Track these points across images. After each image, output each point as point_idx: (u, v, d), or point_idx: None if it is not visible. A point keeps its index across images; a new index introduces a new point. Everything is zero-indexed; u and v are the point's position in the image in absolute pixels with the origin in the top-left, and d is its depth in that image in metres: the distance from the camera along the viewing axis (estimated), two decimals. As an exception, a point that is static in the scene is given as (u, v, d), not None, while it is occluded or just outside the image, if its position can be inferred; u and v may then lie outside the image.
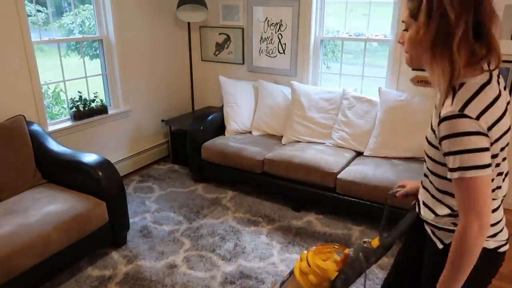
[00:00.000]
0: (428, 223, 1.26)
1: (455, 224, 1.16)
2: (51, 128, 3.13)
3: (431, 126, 1.14)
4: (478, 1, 1.04)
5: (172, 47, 4.18)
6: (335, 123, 3.38)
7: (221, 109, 3.88)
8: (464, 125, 1.00)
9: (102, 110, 3.51)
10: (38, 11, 3.46)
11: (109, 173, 2.51)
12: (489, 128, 1.02)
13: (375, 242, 1.51)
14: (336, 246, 1.63)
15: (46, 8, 3.25)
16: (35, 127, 2.81)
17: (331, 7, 3.65)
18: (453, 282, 1.11)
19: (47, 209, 2.30)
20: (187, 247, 2.72)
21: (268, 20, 3.82)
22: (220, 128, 3.78)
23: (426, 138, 1.19)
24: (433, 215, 1.23)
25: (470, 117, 1.00)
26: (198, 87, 4.48)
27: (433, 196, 1.23)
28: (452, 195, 1.14)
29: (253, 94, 3.83)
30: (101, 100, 3.56)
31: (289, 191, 3.16)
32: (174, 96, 4.34)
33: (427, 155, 1.19)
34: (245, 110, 3.77)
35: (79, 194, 2.50)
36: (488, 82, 1.05)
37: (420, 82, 3.27)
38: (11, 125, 2.62)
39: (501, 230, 1.20)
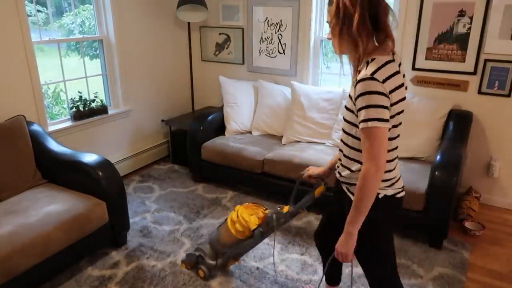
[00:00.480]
0: (344, 182, 1.59)
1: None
2: (51, 128, 3.14)
3: (349, 95, 1.48)
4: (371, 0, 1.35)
5: (172, 47, 4.18)
6: (335, 123, 3.38)
7: (221, 109, 3.88)
8: (373, 85, 1.33)
9: (102, 110, 3.51)
10: (38, 11, 3.46)
11: (109, 173, 2.51)
12: (390, 92, 1.35)
13: (286, 209, 2.04)
14: (262, 208, 2.19)
15: (46, 8, 3.25)
16: (35, 127, 2.81)
17: (331, 7, 3.65)
18: (357, 217, 1.41)
19: (47, 209, 2.31)
20: (187, 247, 2.72)
21: (268, 20, 3.82)
22: (220, 128, 3.78)
23: (345, 106, 1.52)
24: (348, 172, 1.54)
25: (378, 80, 1.33)
26: (198, 87, 4.48)
27: (347, 156, 1.54)
28: (361, 151, 1.41)
29: (253, 94, 3.83)
30: (101, 100, 3.56)
31: (289, 191, 3.15)
32: (174, 96, 4.34)
33: (345, 120, 1.52)
34: (245, 110, 3.77)
35: (79, 194, 2.50)
36: (392, 60, 1.40)
37: (420, 82, 3.27)
38: (11, 125, 2.62)
39: (397, 181, 1.52)
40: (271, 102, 3.69)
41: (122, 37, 3.59)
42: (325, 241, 1.93)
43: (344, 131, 1.54)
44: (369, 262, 1.62)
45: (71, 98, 3.37)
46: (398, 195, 1.52)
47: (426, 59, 3.20)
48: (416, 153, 3.04)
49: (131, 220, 2.99)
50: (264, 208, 2.21)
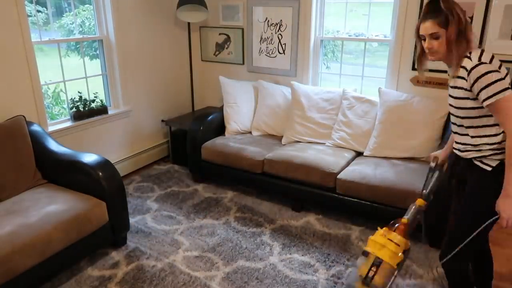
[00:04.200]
0: (476, 159, 1.76)
1: (492, 149, 1.69)
2: (51, 128, 3.14)
3: (455, 87, 1.73)
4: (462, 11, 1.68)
5: (172, 47, 4.18)
6: (335, 123, 3.38)
7: (221, 109, 3.88)
8: (484, 68, 1.59)
9: (102, 110, 3.51)
10: (38, 11, 3.46)
11: (109, 173, 2.51)
12: (503, 74, 1.60)
13: (420, 201, 1.97)
14: (388, 226, 1.96)
15: (46, 8, 3.25)
16: (35, 127, 2.81)
17: (331, 7, 3.65)
18: None
19: (47, 209, 2.31)
20: (187, 247, 2.72)
21: (268, 20, 3.82)
22: (220, 128, 3.78)
23: (452, 102, 1.77)
24: (477, 153, 1.74)
25: (486, 63, 1.61)
26: (198, 87, 4.48)
27: (473, 137, 1.74)
28: (486, 126, 1.69)
29: (253, 94, 3.83)
30: (101, 100, 3.57)
31: (289, 191, 3.16)
32: (174, 96, 4.34)
33: (457, 115, 1.77)
34: (245, 110, 3.77)
35: (79, 194, 2.50)
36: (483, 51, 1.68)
37: (420, 82, 3.27)
38: (11, 125, 2.62)
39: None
40: (271, 102, 3.69)
41: (122, 37, 3.59)
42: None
43: (460, 125, 1.78)
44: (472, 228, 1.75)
45: (71, 98, 3.37)
46: None
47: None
48: (416, 153, 3.04)
49: (131, 220, 2.99)
50: (390, 226, 1.95)
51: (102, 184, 2.46)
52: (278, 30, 3.80)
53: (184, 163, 4.02)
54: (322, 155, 3.11)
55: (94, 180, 2.46)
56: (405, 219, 1.95)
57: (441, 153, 2.10)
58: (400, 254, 1.85)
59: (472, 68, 1.61)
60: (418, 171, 2.82)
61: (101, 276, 2.43)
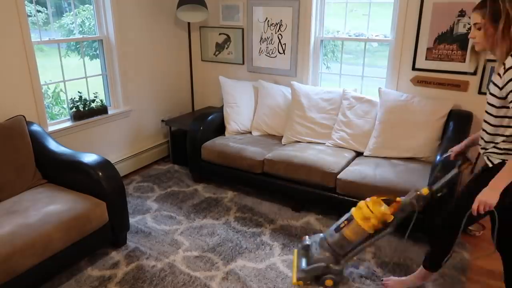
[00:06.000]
0: (485, 153, 1.88)
1: (501, 149, 1.80)
2: (51, 128, 3.14)
3: (493, 83, 1.77)
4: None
5: (172, 47, 4.18)
6: (335, 123, 3.38)
7: (221, 109, 3.88)
8: None
9: (102, 110, 3.51)
10: (38, 11, 3.46)
11: (109, 173, 2.51)
12: None
13: (425, 191, 2.07)
14: (383, 198, 2.20)
15: (46, 8, 3.25)
16: (35, 127, 2.81)
17: (331, 7, 3.65)
18: (507, 178, 1.69)
19: (47, 209, 2.30)
20: (187, 247, 2.72)
21: (268, 20, 3.82)
22: (220, 128, 3.78)
23: (488, 97, 1.82)
24: (492, 146, 1.84)
25: None
26: (198, 87, 4.48)
27: (490, 134, 1.84)
28: (499, 127, 1.79)
29: (253, 94, 3.83)
30: (101, 100, 3.56)
31: (289, 191, 3.16)
32: (174, 96, 4.34)
33: (488, 112, 1.83)
34: (245, 110, 3.77)
35: (79, 194, 2.50)
36: None
37: (420, 82, 3.27)
38: (11, 125, 2.62)
39: None
40: (271, 102, 3.69)
41: (122, 37, 3.59)
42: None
43: (488, 122, 1.85)
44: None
45: (71, 98, 3.37)
46: None
47: (426, 59, 3.20)
48: (416, 153, 3.04)
49: (131, 220, 2.99)
50: (391, 197, 2.22)
51: (102, 184, 2.46)
52: (278, 30, 3.80)
53: (184, 163, 4.02)
54: (322, 155, 3.11)
55: (94, 180, 2.46)
56: (399, 198, 2.14)
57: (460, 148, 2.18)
58: (374, 221, 2.11)
59: (509, 68, 1.64)
60: (418, 171, 2.82)
61: (101, 276, 2.43)
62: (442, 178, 2.09)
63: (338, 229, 2.25)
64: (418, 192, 2.08)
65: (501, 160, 1.80)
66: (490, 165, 1.84)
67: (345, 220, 2.23)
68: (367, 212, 2.14)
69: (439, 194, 2.07)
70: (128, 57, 3.70)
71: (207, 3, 3.91)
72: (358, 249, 2.26)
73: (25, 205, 2.35)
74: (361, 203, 2.20)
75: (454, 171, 2.06)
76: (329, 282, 2.26)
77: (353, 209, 2.22)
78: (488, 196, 1.70)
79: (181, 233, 2.89)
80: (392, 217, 2.14)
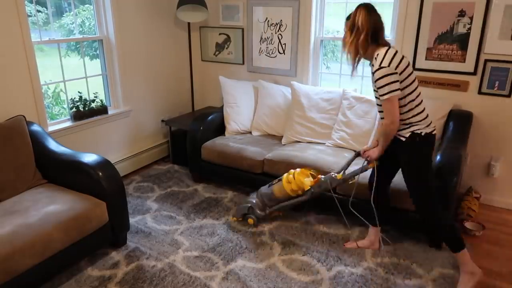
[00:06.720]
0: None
1: (403, 126, 2.25)
2: (51, 128, 3.14)
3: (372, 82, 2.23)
4: (376, 24, 2.17)
5: (172, 47, 4.18)
6: (335, 123, 3.38)
7: (221, 109, 3.88)
8: (383, 71, 2.10)
9: (102, 110, 3.51)
10: (38, 11, 3.46)
11: (109, 173, 2.51)
12: (400, 70, 2.12)
13: (339, 177, 2.58)
14: (312, 172, 2.78)
15: (46, 8, 3.25)
16: (35, 127, 2.81)
17: (331, 7, 3.65)
18: (383, 147, 2.31)
19: (47, 209, 2.30)
20: (187, 247, 2.72)
21: (268, 20, 3.82)
22: (220, 128, 3.78)
23: (374, 92, 2.28)
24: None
25: (384, 66, 2.09)
26: (198, 87, 4.48)
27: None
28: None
29: (253, 94, 3.83)
30: (101, 100, 3.56)
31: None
32: (174, 96, 4.34)
33: (378, 103, 2.31)
34: (245, 110, 3.77)
35: (79, 194, 2.50)
36: (388, 48, 2.15)
37: (420, 82, 3.26)
38: (11, 125, 2.62)
39: (430, 123, 2.27)
40: (271, 102, 3.69)
41: (122, 37, 3.59)
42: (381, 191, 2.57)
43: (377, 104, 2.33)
44: (421, 188, 2.28)
45: (71, 98, 3.37)
46: (433, 132, 2.25)
47: (426, 59, 3.20)
48: (416, 153, 3.03)
49: (131, 220, 2.99)
50: (316, 173, 2.78)
51: (102, 184, 2.46)
52: (278, 30, 3.80)
53: (184, 163, 4.02)
54: (322, 155, 3.11)
55: (94, 180, 2.46)
56: (320, 176, 2.66)
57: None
58: (293, 186, 2.68)
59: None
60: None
61: (101, 276, 2.43)
62: (354, 169, 2.54)
63: (270, 185, 2.85)
64: (334, 175, 2.59)
65: (410, 133, 2.24)
66: (403, 139, 2.26)
67: (277, 179, 2.81)
68: (290, 178, 2.70)
69: (350, 182, 2.58)
70: (128, 57, 3.70)
71: (207, 3, 3.91)
72: (280, 205, 2.82)
73: (25, 205, 2.35)
74: (291, 171, 2.75)
75: (363, 166, 2.47)
76: (250, 221, 2.93)
77: (285, 174, 2.77)
78: (374, 152, 2.36)
79: (181, 233, 2.89)
80: (308, 187, 2.66)
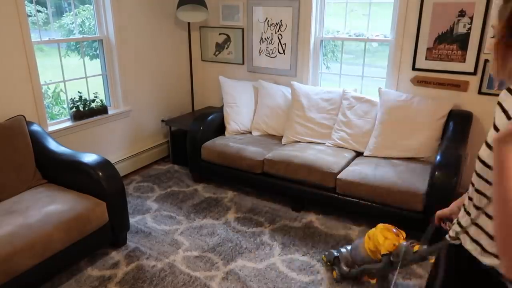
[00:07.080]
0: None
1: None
2: (51, 128, 3.13)
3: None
4: None
5: (172, 47, 4.18)
6: (335, 123, 3.38)
7: (221, 109, 3.88)
8: None
9: (102, 110, 3.51)
10: (38, 11, 3.46)
11: (109, 173, 2.51)
12: None
13: (416, 247, 1.88)
14: (402, 234, 2.11)
15: (46, 8, 3.25)
16: (35, 127, 2.81)
17: (331, 7, 3.65)
18: None
19: (47, 209, 2.30)
20: (187, 247, 2.72)
21: (268, 20, 3.82)
22: (220, 128, 3.78)
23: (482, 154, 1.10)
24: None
25: None
26: (198, 87, 4.48)
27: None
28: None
29: (253, 94, 3.83)
30: (101, 100, 3.56)
31: (289, 191, 3.16)
32: (174, 96, 4.34)
33: (482, 177, 1.07)
34: (245, 110, 3.77)
35: (79, 194, 2.50)
36: None
37: (420, 82, 3.27)
38: (11, 125, 2.62)
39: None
40: (271, 102, 3.69)
41: (122, 37, 3.58)
42: None
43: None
44: None
45: (71, 98, 3.37)
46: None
47: (426, 59, 3.20)
48: (416, 153, 3.04)
49: (131, 220, 2.99)
50: (403, 236, 2.12)
51: (102, 184, 2.46)
52: (278, 30, 3.80)
53: (184, 163, 4.02)
54: (322, 155, 3.11)
55: (94, 180, 2.46)
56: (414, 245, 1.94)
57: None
58: (370, 244, 2.17)
59: None
60: (418, 171, 2.82)
61: (101, 276, 2.43)
62: (435, 244, 1.48)
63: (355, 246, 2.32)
64: (411, 244, 1.92)
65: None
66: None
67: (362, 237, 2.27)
68: (371, 233, 2.20)
69: (426, 260, 1.87)
70: (128, 57, 3.70)
71: (207, 3, 3.91)
72: (364, 268, 2.26)
73: (25, 205, 2.35)
74: (379, 225, 2.19)
75: (444, 242, 1.40)
76: (334, 273, 2.41)
77: (373, 228, 2.23)
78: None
79: (181, 233, 2.89)
80: (385, 251, 2.07)
